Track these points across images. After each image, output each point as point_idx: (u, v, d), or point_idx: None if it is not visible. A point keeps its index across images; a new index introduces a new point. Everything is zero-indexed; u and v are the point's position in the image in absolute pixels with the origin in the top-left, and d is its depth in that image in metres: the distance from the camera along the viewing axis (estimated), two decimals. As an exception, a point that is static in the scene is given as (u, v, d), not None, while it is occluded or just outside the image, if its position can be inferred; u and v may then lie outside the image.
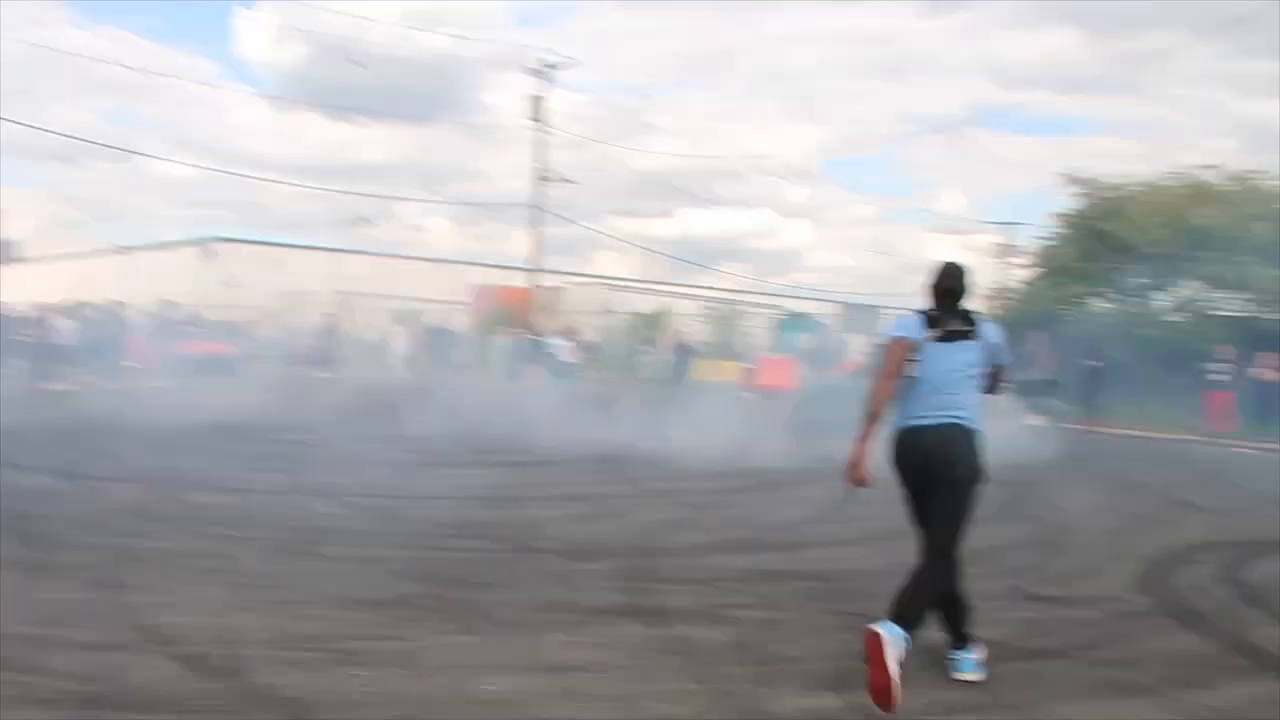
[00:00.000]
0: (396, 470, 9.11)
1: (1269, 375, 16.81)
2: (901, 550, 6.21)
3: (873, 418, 3.92)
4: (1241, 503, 9.25)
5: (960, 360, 3.94)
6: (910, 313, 4.10)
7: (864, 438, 3.91)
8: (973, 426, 3.94)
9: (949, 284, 4.06)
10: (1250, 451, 15.70)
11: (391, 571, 5.26)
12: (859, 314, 47.96)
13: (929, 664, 4.04)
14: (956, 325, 3.96)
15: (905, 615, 3.67)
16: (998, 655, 4.24)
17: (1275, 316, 18.44)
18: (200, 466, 8.92)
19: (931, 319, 3.97)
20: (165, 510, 6.80)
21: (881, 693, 3.41)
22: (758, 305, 40.16)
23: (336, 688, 3.56)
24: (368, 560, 5.50)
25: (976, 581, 5.47)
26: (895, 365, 3.93)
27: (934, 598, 3.90)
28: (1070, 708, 3.67)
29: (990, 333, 4.04)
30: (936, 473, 3.93)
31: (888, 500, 8.28)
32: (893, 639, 3.49)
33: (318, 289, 47.72)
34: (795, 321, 33.21)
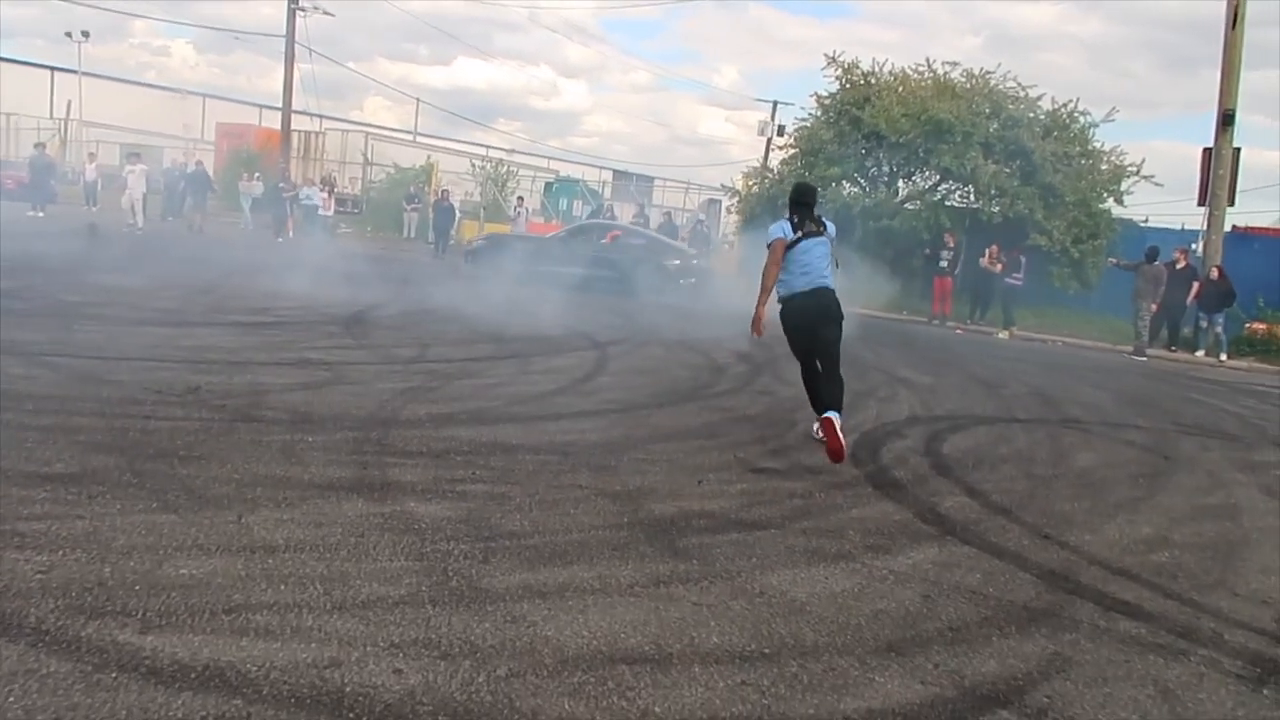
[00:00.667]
0: (108, 327, 8.24)
1: (988, 264, 18.61)
2: (637, 424, 6.45)
3: (766, 290, 6.03)
4: (950, 381, 10.27)
5: (819, 249, 6.03)
6: (783, 220, 6.09)
7: (761, 303, 6.07)
8: (833, 288, 6.05)
9: (805, 199, 6.24)
10: (963, 334, 17.52)
11: (83, 442, 4.73)
12: (630, 183, 48.34)
13: (651, 539, 4.17)
14: (813, 227, 6.06)
15: (838, 404, 5.82)
16: (716, 528, 4.45)
17: (996, 210, 20.31)
18: None
19: (796, 224, 6.04)
20: None
21: (838, 453, 5.61)
22: (530, 167, 39.39)
23: (4, 574, 3.16)
24: (56, 429, 4.91)
25: (707, 455, 5.78)
26: (778, 256, 5.97)
27: (841, 392, 5.97)
28: (775, 576, 3.91)
29: (831, 230, 6.18)
30: (824, 318, 6.02)
31: (628, 374, 8.50)
32: (837, 418, 5.68)
33: (32, 113, 41.76)
34: (566, 186, 32.91)
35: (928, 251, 19.86)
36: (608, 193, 40.29)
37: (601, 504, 4.62)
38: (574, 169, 46.94)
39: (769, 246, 6.01)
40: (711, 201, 35.45)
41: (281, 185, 24.18)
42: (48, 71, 50.58)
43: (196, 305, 10.40)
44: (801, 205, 6.12)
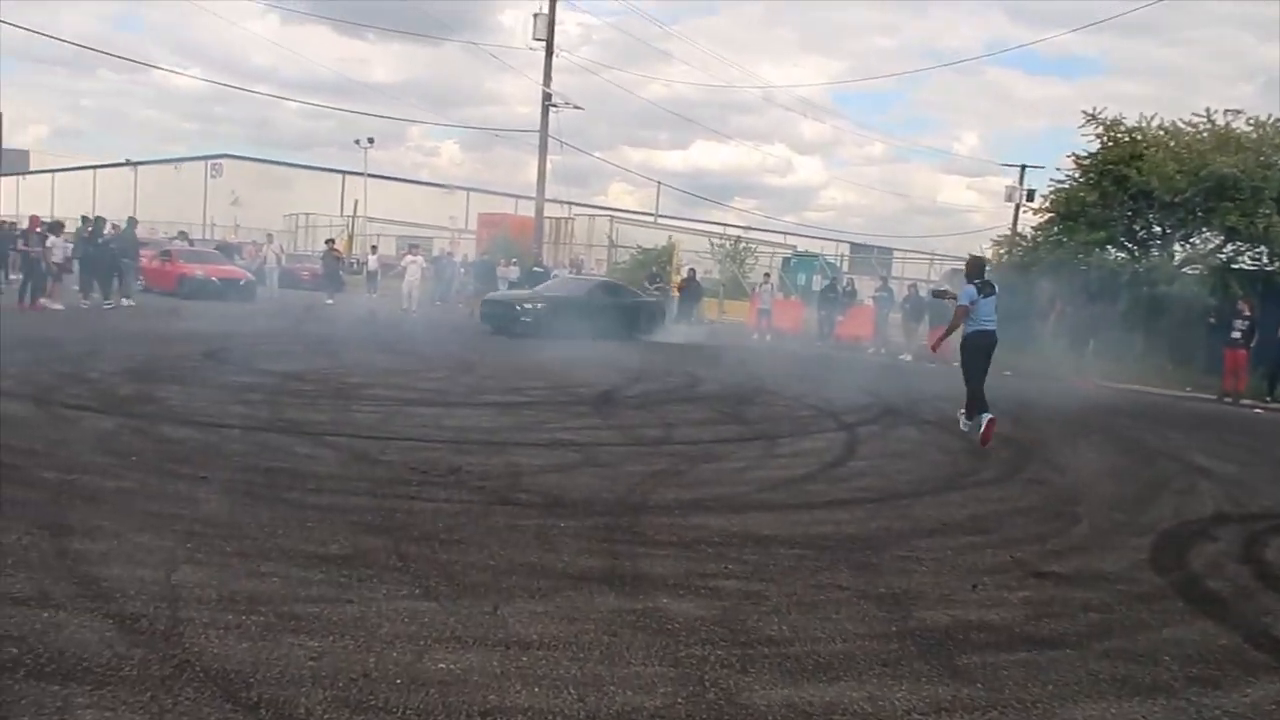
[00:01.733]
0: (382, 407, 8.82)
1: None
2: (897, 515, 5.97)
3: (951, 331, 9.65)
4: (1259, 470, 8.92)
5: (991, 303, 9.30)
6: (970, 287, 9.23)
7: (944, 337, 10.09)
8: (996, 329, 9.38)
9: (981, 270, 9.53)
10: (1263, 414, 15.33)
11: (355, 523, 4.95)
12: (871, 255, 47.29)
13: (925, 654, 3.73)
14: (989, 289, 9.29)
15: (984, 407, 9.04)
16: (1000, 644, 3.94)
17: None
18: (183, 396, 8.63)
19: (979, 288, 9.21)
20: (133, 444, 6.49)
21: (986, 441, 8.73)
22: (767, 243, 39.52)
23: (280, 659, 3.27)
24: (332, 509, 5.19)
25: (979, 554, 5.22)
26: (967, 311, 9.20)
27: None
28: (1079, 710, 3.35)
29: (996, 289, 9.46)
30: (991, 348, 9.34)
31: (881, 458, 7.99)
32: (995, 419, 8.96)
33: (325, 212, 47.28)
34: (804, 261, 32.61)
35: (1213, 320, 17.74)
36: (846, 266, 39.63)
37: (865, 608, 4.22)
38: (811, 243, 46.69)
39: (966, 305, 9.18)
40: (955, 271, 33.88)
41: (537, 269, 25.58)
42: (339, 175, 57.25)
43: (459, 385, 11.00)
44: (981, 274, 9.39)
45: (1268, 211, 17.93)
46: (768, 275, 24.73)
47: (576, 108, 29.39)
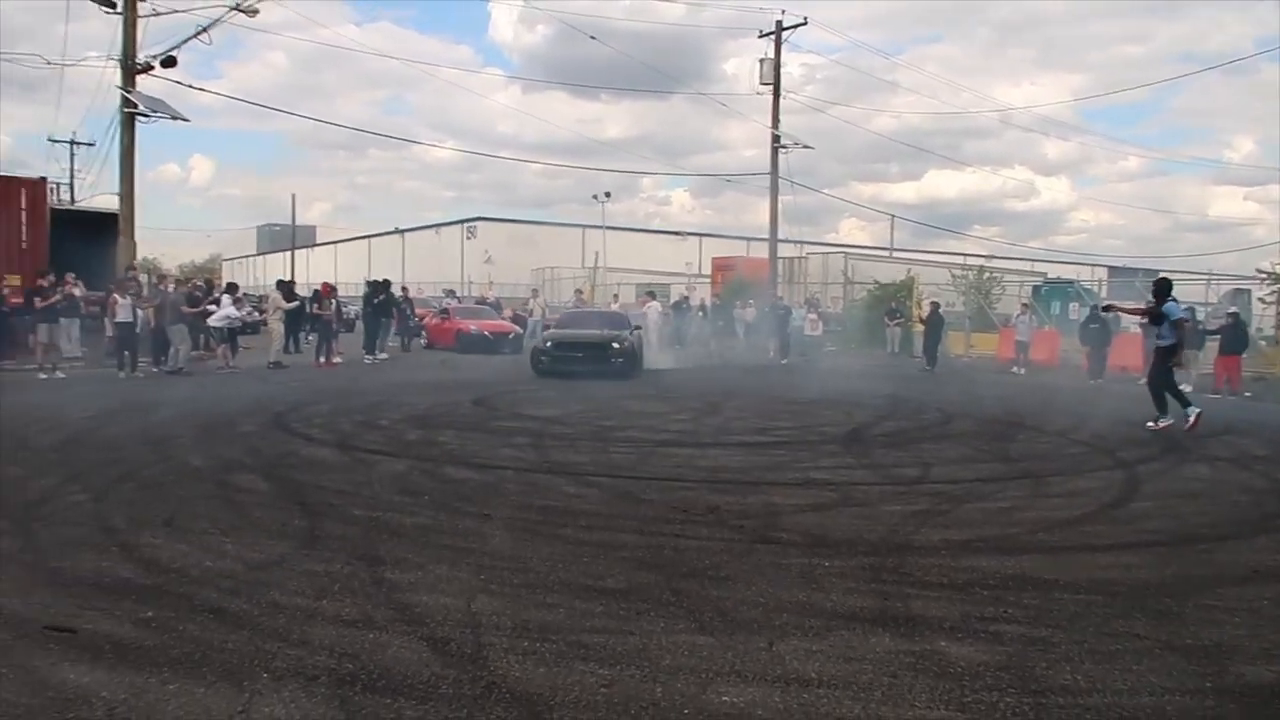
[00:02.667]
0: (637, 448, 9.15)
1: None
2: (1196, 561, 5.44)
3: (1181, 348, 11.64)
4: None
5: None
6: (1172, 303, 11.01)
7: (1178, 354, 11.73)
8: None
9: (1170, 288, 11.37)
10: None
11: (627, 559, 5.18)
12: (1135, 278, 43.56)
13: (1251, 717, 3.38)
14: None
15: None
16: (1339, 705, 3.49)
17: None
18: (459, 440, 9.40)
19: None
20: (424, 484, 7.14)
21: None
22: (1015, 272, 37.50)
23: (574, 685, 3.48)
24: (605, 545, 5.46)
25: None
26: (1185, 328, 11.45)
27: None
28: None
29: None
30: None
31: (1169, 498, 7.31)
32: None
33: (568, 264, 49.90)
34: (1057, 289, 30.60)
35: None
36: (1104, 291, 36.71)
37: (1171, 660, 3.88)
38: (1062, 269, 43.73)
39: (1180, 321, 11.04)
40: (1239, 291, 30.50)
41: (779, 310, 25.64)
42: (579, 229, 60.31)
43: (707, 426, 11.21)
44: (1169, 290, 11.20)
45: None
46: (1026, 305, 23.34)
47: (806, 147, 29.40)
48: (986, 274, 32.37)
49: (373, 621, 4.13)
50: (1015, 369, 21.33)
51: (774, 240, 30.03)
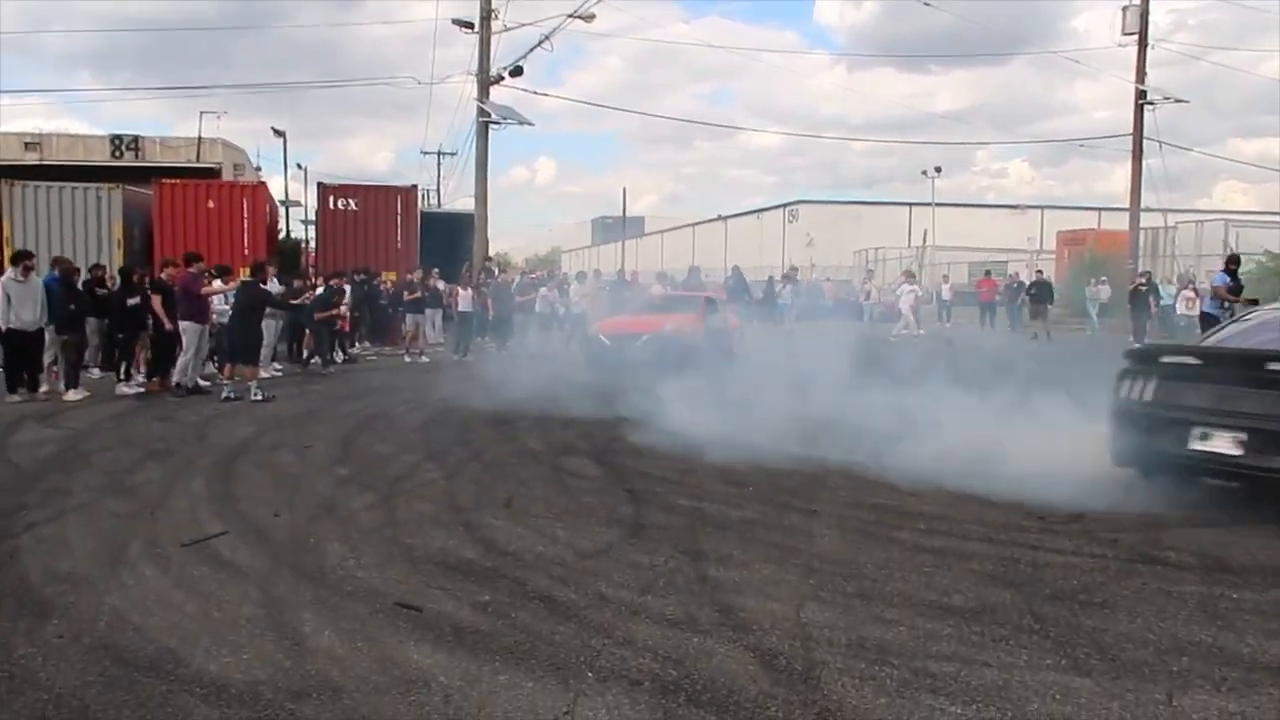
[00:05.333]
0: (979, 445, 8.28)
1: None
2: None
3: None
4: None
5: None
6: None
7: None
8: None
9: None
10: None
11: (975, 571, 4.57)
12: None
13: None
14: None
15: None
16: None
17: None
18: (784, 429, 9.06)
19: None
20: (746, 475, 6.89)
21: None
22: None
23: (919, 720, 3.03)
24: (947, 553, 4.87)
25: None
26: None
27: None
28: None
29: None
30: None
31: None
32: None
33: (894, 244, 47.99)
34: None
35: None
36: None
37: None
38: None
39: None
40: None
41: (1133, 287, 22.72)
42: (905, 207, 57.75)
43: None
44: None
45: None
46: None
47: (1178, 100, 25.72)
48: None
49: (697, 623, 3.91)
50: None
51: (1135, 209, 26.64)
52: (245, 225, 19.24)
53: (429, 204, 35.70)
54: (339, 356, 16.26)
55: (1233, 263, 11.22)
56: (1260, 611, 4.02)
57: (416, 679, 3.40)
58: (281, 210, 34.30)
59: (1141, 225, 29.43)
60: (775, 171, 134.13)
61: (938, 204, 49.39)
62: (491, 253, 26.13)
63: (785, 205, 64.87)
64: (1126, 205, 27.56)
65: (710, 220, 75.08)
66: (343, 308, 16.29)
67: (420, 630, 3.87)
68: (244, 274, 12.86)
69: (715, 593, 4.30)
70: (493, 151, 24.11)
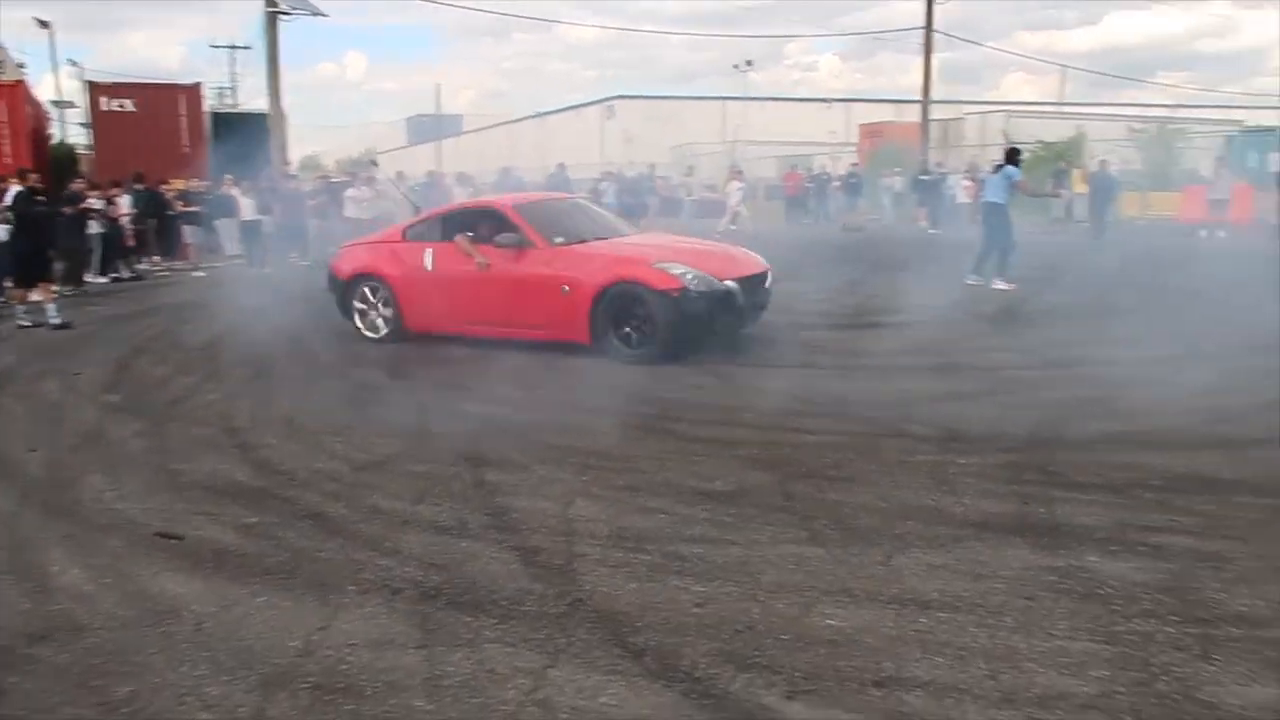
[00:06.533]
0: (767, 333, 8.68)
1: None
2: None
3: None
4: None
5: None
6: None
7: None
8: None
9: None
10: None
11: (740, 457, 4.84)
12: (1348, 122, 38.49)
13: None
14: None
15: None
16: None
17: None
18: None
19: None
20: (539, 378, 6.97)
21: None
22: (1206, 121, 33.81)
23: (665, 604, 3.22)
24: (718, 442, 5.13)
25: None
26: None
27: None
28: None
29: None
30: None
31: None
32: None
33: (707, 140, 48.49)
34: (1256, 138, 27.27)
35: None
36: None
37: (1380, 582, 3.25)
38: (1265, 116, 38.97)
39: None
40: None
41: (925, 176, 24.03)
42: (720, 102, 58.29)
43: (842, 306, 10.56)
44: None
45: None
46: (1220, 159, 20.90)
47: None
48: (1170, 125, 29.25)
49: (467, 528, 3.98)
50: (1203, 232, 19.27)
51: (926, 100, 27.98)
52: (5, 130, 17.30)
53: (226, 104, 33.09)
54: (124, 273, 15.08)
55: (1013, 155, 11.81)
56: (981, 475, 4.47)
57: (168, 609, 3.31)
58: (56, 113, 31.03)
59: (935, 117, 31.02)
60: (595, 66, 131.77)
61: (748, 98, 50.16)
62: (300, 155, 24.62)
63: (603, 101, 64.07)
64: (919, 98, 28.91)
65: (528, 118, 73.28)
66: (123, 219, 15.04)
67: (178, 559, 3.76)
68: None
69: (490, 497, 4.37)
70: (294, 45, 22.78)
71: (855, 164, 27.83)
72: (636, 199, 26.57)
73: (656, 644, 2.95)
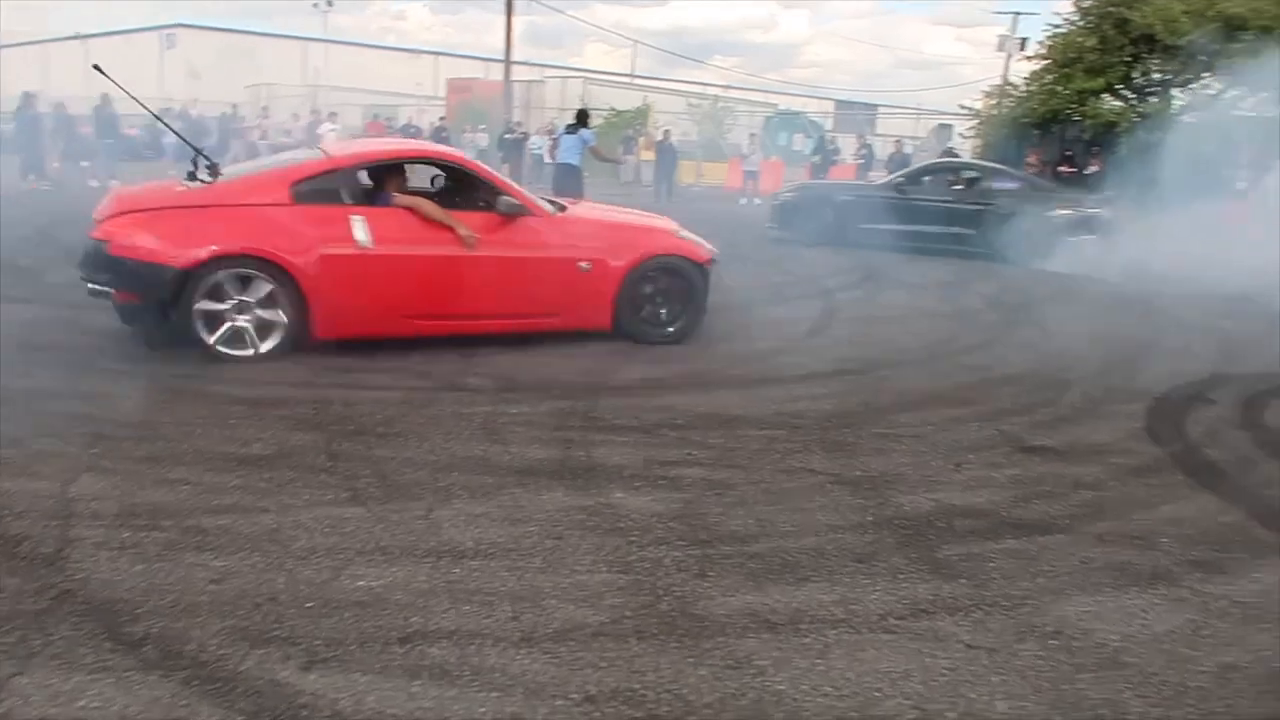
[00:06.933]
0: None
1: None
2: (878, 388, 5.59)
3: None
4: (1254, 325, 8.52)
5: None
6: None
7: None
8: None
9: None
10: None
11: (285, 417, 4.53)
12: (854, 112, 45.90)
13: (903, 546, 3.38)
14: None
15: None
16: (986, 531, 3.60)
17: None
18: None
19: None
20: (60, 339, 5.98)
21: None
22: (748, 102, 38.23)
23: (176, 584, 2.88)
24: (260, 403, 4.75)
25: (964, 429, 4.86)
26: None
27: None
28: (1072, 604, 3.03)
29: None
30: None
31: (869, 324, 7.60)
32: None
33: (287, 81, 45.13)
34: (787, 120, 31.48)
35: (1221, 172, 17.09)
36: (831, 124, 38.36)
37: (839, 495, 3.87)
38: (795, 102, 45.09)
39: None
40: (942, 126, 32.85)
41: (509, 135, 24.45)
42: (301, 43, 54.50)
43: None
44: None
45: (1273, 52, 17.02)
46: (754, 136, 23.76)
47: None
48: (720, 104, 32.69)
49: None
50: (742, 200, 21.81)
51: (508, 61, 28.45)
52: None
53: None
54: None
55: (583, 116, 12.31)
56: (530, 423, 4.62)
57: None
58: None
59: (520, 79, 31.68)
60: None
61: (332, 40, 47.51)
62: None
63: (162, 28, 56.88)
64: (504, 57, 29.30)
65: (68, 38, 62.85)
66: None
67: None
68: None
69: (-37, 479, 3.63)
70: None
71: (443, 118, 27.55)
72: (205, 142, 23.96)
73: (159, 630, 2.63)
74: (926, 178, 13.89)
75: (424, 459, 4.05)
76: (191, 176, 5.87)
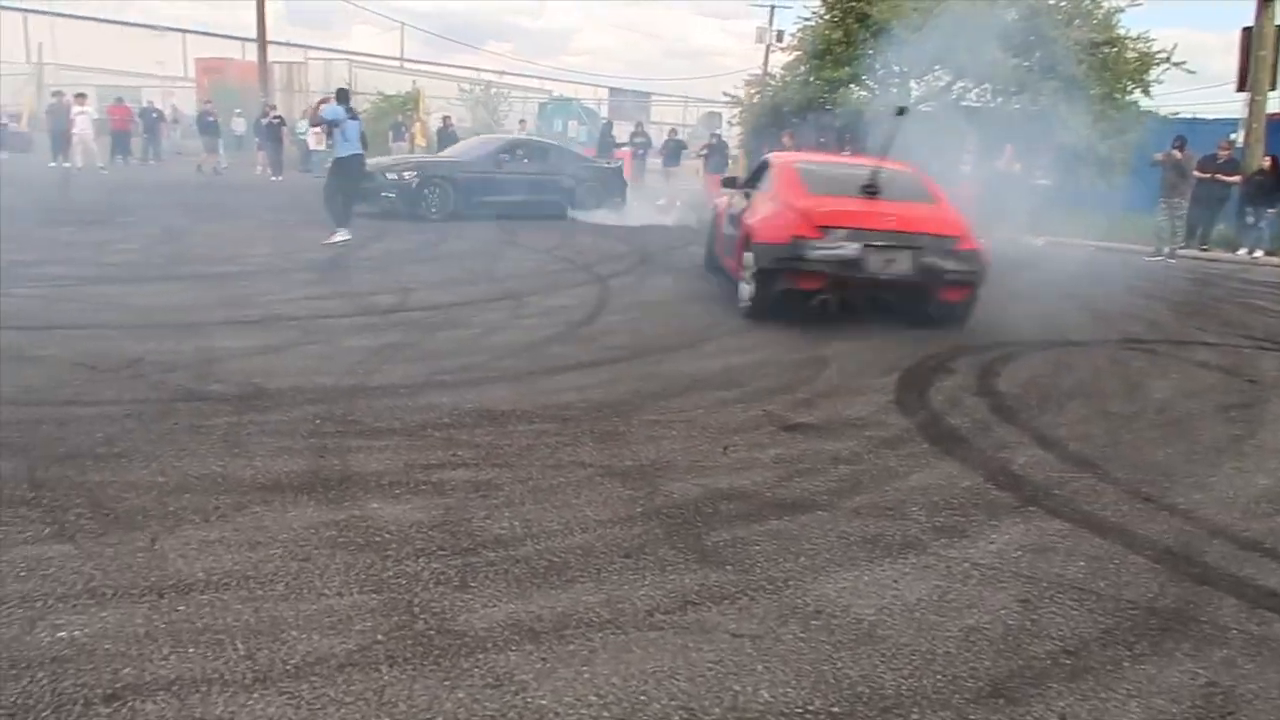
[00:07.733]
0: (47, 289, 7.36)
1: (1005, 166, 17.46)
2: (648, 374, 5.61)
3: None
4: (984, 297, 9.25)
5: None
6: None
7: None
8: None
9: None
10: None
11: (-20, 444, 3.92)
12: (628, 99, 46.69)
13: (672, 536, 3.34)
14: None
15: None
16: (751, 513, 3.63)
17: (1017, 107, 19.00)
18: None
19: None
20: None
21: None
22: (522, 88, 37.99)
23: None
24: (-50, 428, 4.09)
25: (731, 411, 4.93)
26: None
27: None
28: (831, 582, 3.09)
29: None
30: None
31: (639, 311, 7.64)
32: None
33: (7, 59, 40.13)
34: (560, 106, 31.47)
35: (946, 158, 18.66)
36: (604, 111, 38.77)
37: (609, 488, 3.79)
38: (569, 89, 45.22)
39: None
40: (711, 114, 34.07)
41: (267, 122, 22.87)
42: (20, 15, 48.69)
43: (157, 256, 9.49)
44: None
45: (990, 47, 18.73)
46: (523, 122, 23.55)
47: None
48: (494, 90, 32.21)
49: None
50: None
51: (262, 40, 26.66)
52: None
53: None
54: None
55: (342, 95, 11.63)
56: (280, 431, 4.24)
57: None
58: None
59: (279, 59, 29.78)
60: None
61: (58, 14, 42.74)
62: None
63: None
64: (263, 38, 27.44)
65: None
66: None
67: None
68: None
69: None
70: None
71: (209, 102, 25.35)
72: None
73: None
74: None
75: (150, 482, 3.60)
76: None
